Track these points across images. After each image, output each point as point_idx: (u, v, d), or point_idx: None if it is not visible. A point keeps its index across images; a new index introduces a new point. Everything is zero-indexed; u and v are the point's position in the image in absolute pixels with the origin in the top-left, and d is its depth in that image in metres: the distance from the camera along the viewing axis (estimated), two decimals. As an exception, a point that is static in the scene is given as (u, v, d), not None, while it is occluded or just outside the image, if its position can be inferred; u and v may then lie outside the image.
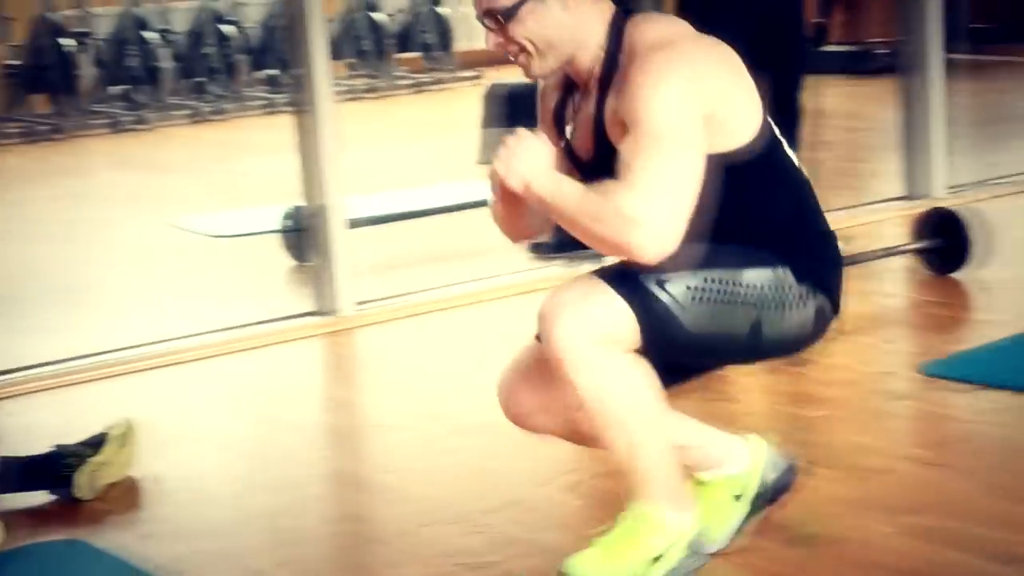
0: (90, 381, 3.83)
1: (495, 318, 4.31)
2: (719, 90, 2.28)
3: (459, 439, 3.30)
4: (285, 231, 5.02)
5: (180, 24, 9.82)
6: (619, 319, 2.23)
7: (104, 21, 9.60)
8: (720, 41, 2.36)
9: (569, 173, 2.34)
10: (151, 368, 3.93)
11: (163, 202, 6.63)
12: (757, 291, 2.30)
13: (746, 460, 2.52)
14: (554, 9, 2.29)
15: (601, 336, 2.23)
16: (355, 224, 4.46)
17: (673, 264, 2.23)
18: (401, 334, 4.21)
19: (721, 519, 2.51)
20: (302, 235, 4.62)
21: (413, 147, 7.90)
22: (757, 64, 5.32)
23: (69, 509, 2.97)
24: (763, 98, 2.36)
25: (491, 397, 3.58)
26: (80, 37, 9.32)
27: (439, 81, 10.04)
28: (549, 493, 2.97)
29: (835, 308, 2.43)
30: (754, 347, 2.34)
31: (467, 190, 5.87)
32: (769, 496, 2.54)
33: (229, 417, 3.58)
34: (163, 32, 9.70)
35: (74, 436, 3.08)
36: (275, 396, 3.75)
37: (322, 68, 4.21)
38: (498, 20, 2.29)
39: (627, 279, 2.25)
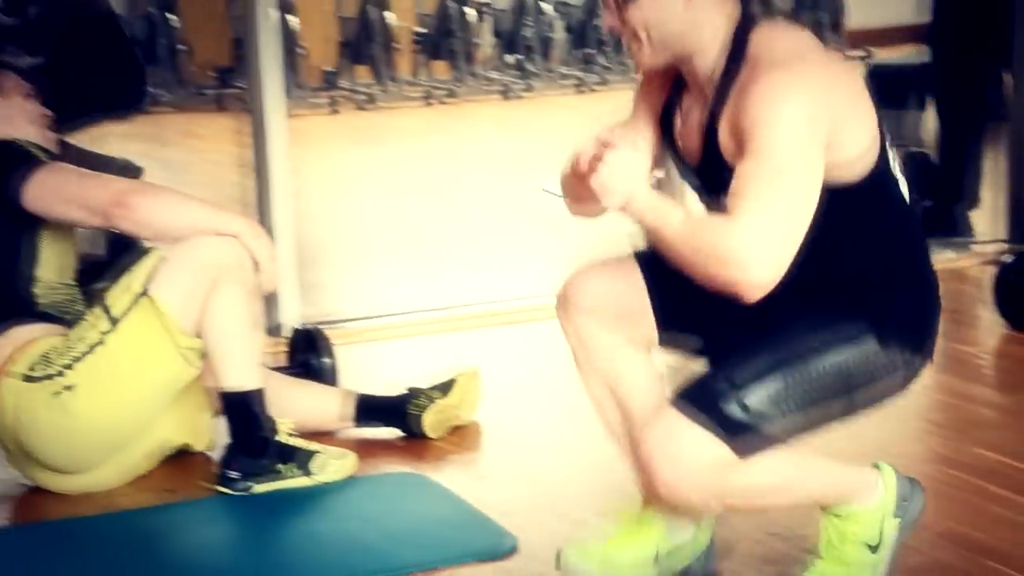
0: (446, 331, 4.06)
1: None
2: (841, 114, 2.13)
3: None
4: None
5: (575, -3, 10.08)
6: (712, 453, 2.16)
7: (506, -8, 9.97)
8: (845, 60, 2.22)
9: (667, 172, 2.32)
10: (502, 323, 4.14)
11: (539, 167, 6.87)
12: (844, 377, 2.20)
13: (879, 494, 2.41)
14: (676, 3, 2.17)
15: (703, 478, 2.18)
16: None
17: (750, 374, 2.15)
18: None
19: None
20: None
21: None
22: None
23: (415, 445, 3.20)
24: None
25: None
26: (481, 7, 9.73)
27: (825, 59, 9.89)
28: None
29: (925, 357, 2.31)
30: (850, 412, 2.29)
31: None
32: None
33: (570, 373, 3.73)
34: (559, 4, 10.00)
35: (426, 380, 3.30)
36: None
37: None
38: (617, 2, 2.19)
39: (708, 406, 2.16)
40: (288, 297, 3.87)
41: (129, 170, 4.53)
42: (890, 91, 6.46)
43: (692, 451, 2.16)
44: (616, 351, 2.40)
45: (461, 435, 3.26)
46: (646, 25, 2.19)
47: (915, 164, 5.27)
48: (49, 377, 2.87)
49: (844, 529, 2.36)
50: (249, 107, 4.05)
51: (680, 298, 2.29)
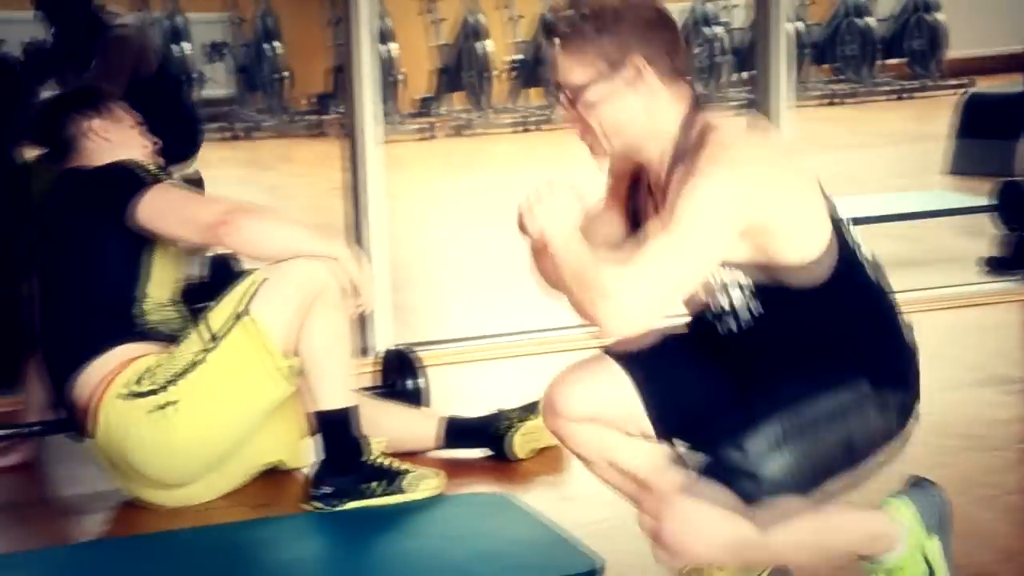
0: (535, 353, 4.08)
1: (938, 327, 4.26)
2: (774, 202, 2.17)
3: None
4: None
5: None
6: (736, 534, 2.15)
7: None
8: (793, 151, 2.23)
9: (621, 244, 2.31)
10: (591, 346, 4.15)
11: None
12: (838, 412, 2.21)
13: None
14: (625, 95, 2.20)
15: (728, 553, 2.19)
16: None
17: (748, 428, 2.16)
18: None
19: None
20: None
21: (879, 153, 7.82)
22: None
23: (503, 466, 3.23)
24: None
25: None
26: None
27: (923, 88, 9.81)
28: (960, 504, 2.96)
29: (915, 395, 2.31)
30: (852, 459, 2.26)
31: (925, 199, 5.80)
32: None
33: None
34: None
35: (514, 402, 3.33)
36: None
37: (781, 73, 4.32)
38: (568, 96, 2.21)
39: (717, 472, 2.16)
40: (380, 319, 3.94)
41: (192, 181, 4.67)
42: (990, 120, 6.40)
43: (714, 530, 2.16)
44: (616, 442, 2.42)
45: (548, 456, 3.29)
46: (598, 117, 2.22)
47: (1012, 194, 5.23)
48: (151, 393, 2.95)
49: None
50: (348, 133, 4.14)
51: (672, 396, 2.36)
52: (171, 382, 2.95)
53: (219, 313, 2.97)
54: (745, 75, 9.85)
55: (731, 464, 2.18)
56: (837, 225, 2.27)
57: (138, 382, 2.96)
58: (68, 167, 3.19)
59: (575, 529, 2.86)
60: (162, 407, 2.94)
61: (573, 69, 2.21)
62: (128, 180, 3.06)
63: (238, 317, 2.94)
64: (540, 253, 2.31)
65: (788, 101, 4.33)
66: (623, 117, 2.22)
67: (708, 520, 2.16)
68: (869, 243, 2.35)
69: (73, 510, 3.21)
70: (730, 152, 2.17)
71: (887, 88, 9.88)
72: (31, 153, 4.59)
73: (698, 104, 2.25)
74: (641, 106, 2.22)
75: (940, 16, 10.02)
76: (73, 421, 3.12)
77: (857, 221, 5.51)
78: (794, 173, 2.24)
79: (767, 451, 2.19)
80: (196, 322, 3.02)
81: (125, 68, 4.57)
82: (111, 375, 2.98)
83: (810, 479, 2.22)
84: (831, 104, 9.61)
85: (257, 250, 3.01)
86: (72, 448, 3.31)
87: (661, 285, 2.14)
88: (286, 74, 9.17)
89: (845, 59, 9.99)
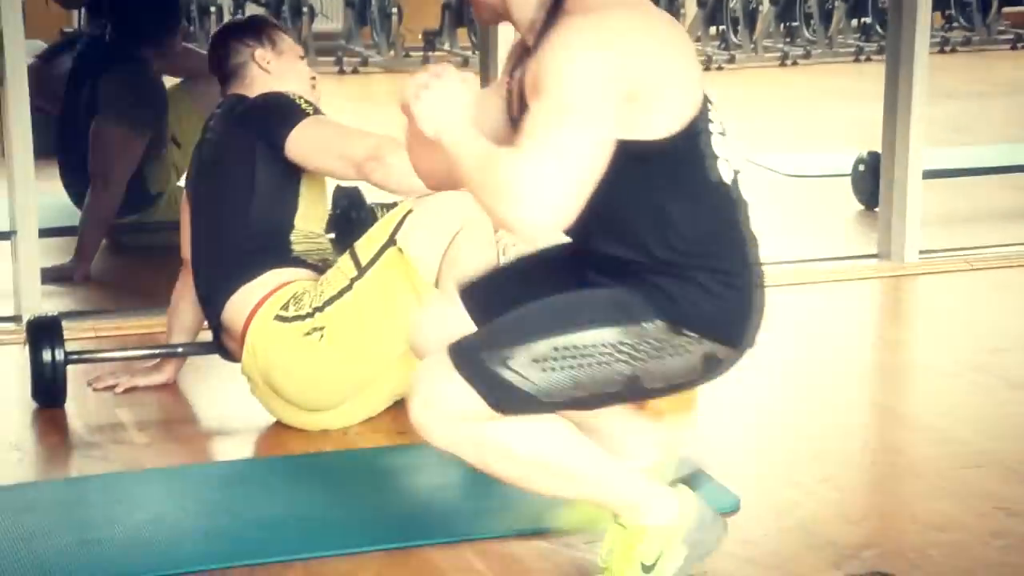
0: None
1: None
2: (647, 70, 2.05)
3: (1009, 392, 3.35)
4: (857, 175, 5.15)
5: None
6: (467, 403, 2.13)
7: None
8: (669, 17, 2.10)
9: (507, 130, 2.20)
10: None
11: (745, 139, 6.87)
12: (625, 350, 2.11)
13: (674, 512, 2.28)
14: None
15: (456, 417, 2.14)
16: (929, 175, 4.52)
17: (519, 332, 2.08)
18: (961, 286, 4.26)
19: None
20: (873, 181, 4.73)
21: (996, 103, 7.72)
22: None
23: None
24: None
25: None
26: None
27: (1044, 36, 9.65)
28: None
29: (736, 349, 2.22)
30: (638, 392, 2.20)
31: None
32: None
33: (783, 344, 3.77)
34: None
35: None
36: (828, 330, 3.90)
37: (923, 20, 4.27)
38: None
39: (471, 360, 2.12)
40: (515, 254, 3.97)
41: None
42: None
43: (444, 396, 2.14)
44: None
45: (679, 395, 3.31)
46: None
47: None
48: (299, 318, 3.03)
49: (627, 542, 2.26)
50: (484, 69, 4.18)
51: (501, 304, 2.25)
52: (319, 309, 3.02)
53: (367, 243, 3.03)
54: (857, 22, 9.75)
55: (483, 344, 2.14)
56: (702, 115, 2.14)
57: (284, 307, 3.04)
58: (230, 93, 3.26)
59: (710, 469, 2.89)
60: (308, 333, 3.01)
61: None
62: (285, 110, 3.12)
63: (386, 247, 3.00)
64: (418, 139, 2.18)
65: (924, 48, 4.29)
66: None
67: (444, 383, 2.13)
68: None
69: (218, 430, 3.31)
70: (603, 16, 2.06)
71: (1004, 36, 9.71)
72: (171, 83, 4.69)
73: None
74: None
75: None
76: (220, 343, 3.21)
77: (974, 172, 5.52)
78: (671, 39, 2.13)
79: (524, 343, 2.10)
80: (342, 252, 3.09)
81: None
82: (263, 298, 3.06)
83: (569, 392, 2.13)
84: (941, 52, 9.47)
85: (406, 185, 3.03)
86: (215, 369, 3.41)
87: (565, 173, 2.00)
88: (396, 10, 9.20)
89: (960, 6, 9.82)
